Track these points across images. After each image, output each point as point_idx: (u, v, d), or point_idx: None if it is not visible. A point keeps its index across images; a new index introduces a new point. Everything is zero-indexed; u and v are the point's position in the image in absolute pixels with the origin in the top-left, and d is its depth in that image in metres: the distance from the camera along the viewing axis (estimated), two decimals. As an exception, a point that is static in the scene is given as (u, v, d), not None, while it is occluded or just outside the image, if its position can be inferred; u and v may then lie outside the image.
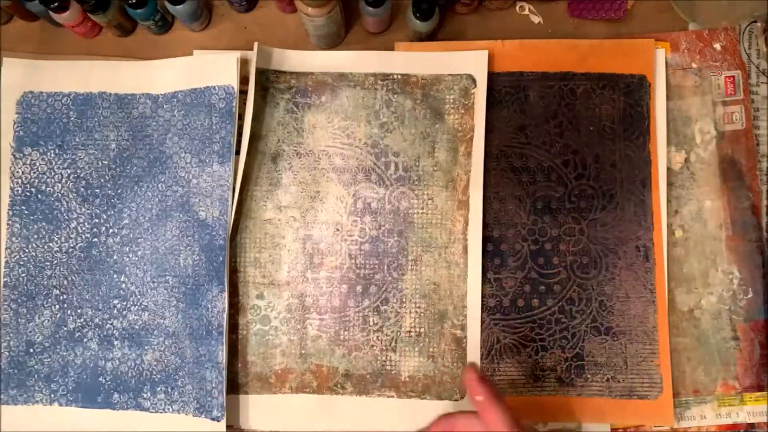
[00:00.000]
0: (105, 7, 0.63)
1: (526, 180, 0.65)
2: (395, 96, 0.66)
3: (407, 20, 0.64)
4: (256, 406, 0.64)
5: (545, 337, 0.63)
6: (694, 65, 0.67)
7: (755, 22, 0.67)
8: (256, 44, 0.63)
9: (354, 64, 0.66)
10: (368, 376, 0.64)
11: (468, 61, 0.65)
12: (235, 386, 0.64)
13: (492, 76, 0.66)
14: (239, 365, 0.64)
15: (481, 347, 0.63)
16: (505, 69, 0.66)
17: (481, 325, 0.64)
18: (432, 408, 0.63)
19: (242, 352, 0.64)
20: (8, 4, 0.65)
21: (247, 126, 0.63)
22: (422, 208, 0.65)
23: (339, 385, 0.64)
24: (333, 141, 0.65)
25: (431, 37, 0.67)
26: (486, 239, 0.64)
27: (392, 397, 0.64)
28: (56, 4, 0.62)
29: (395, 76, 0.66)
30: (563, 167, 0.65)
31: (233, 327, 0.64)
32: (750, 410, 0.64)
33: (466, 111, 0.65)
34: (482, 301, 0.64)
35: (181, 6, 0.62)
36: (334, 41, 0.67)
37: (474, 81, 0.65)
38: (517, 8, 0.68)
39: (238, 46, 0.67)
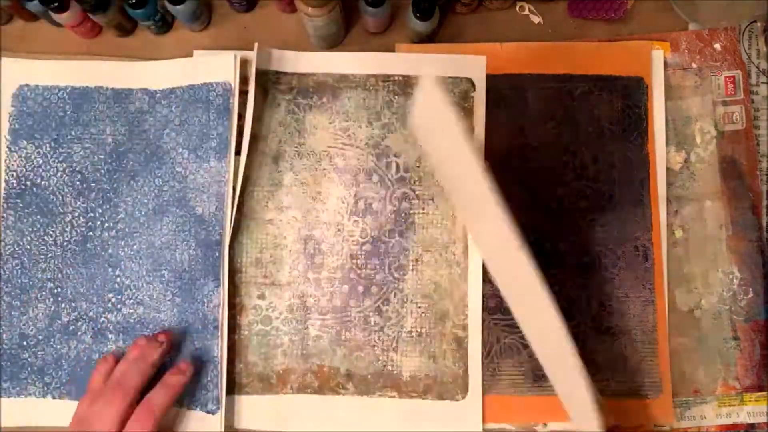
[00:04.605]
0: (105, 7, 0.63)
1: (526, 181, 0.65)
2: (396, 97, 0.66)
3: (407, 20, 0.64)
4: (257, 407, 0.64)
5: (544, 336, 0.63)
6: (694, 65, 0.67)
7: (755, 22, 0.67)
8: (256, 45, 0.63)
9: (355, 65, 0.66)
10: (370, 376, 0.63)
11: (467, 66, 0.66)
12: (236, 387, 0.64)
13: (491, 78, 0.66)
14: (241, 366, 0.64)
15: (481, 347, 0.63)
16: (504, 71, 0.66)
17: (482, 324, 0.63)
18: (433, 408, 0.63)
19: (243, 352, 0.64)
20: (8, 4, 0.65)
21: (248, 126, 0.62)
22: (423, 209, 0.65)
23: (340, 386, 0.63)
24: (334, 142, 0.65)
25: (431, 37, 0.67)
26: (486, 239, 0.64)
27: (394, 397, 0.63)
28: (56, 4, 0.62)
29: (396, 78, 0.66)
30: (562, 168, 0.65)
31: (234, 328, 0.64)
32: (750, 410, 0.63)
33: (465, 114, 0.65)
34: (482, 300, 0.63)
35: (181, 6, 0.62)
36: (334, 41, 0.67)
37: (473, 85, 0.65)
38: (517, 8, 0.68)
39: (238, 46, 0.67)
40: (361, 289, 0.64)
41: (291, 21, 0.68)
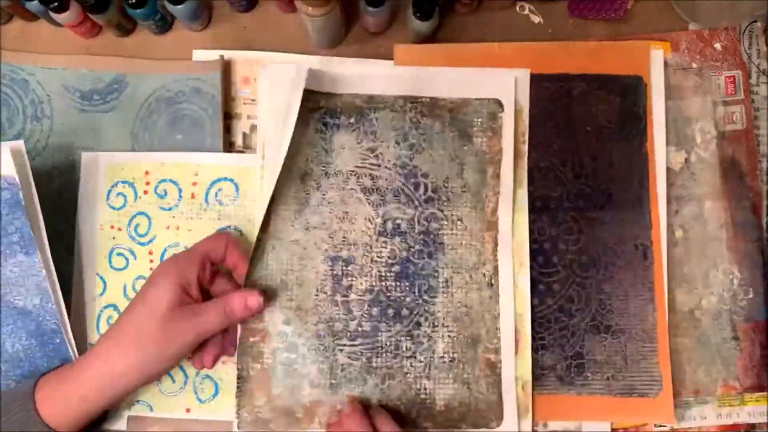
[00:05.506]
0: (105, 7, 0.63)
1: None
2: (423, 118, 0.64)
3: (407, 20, 0.64)
4: None
5: (545, 335, 0.63)
6: (694, 65, 0.67)
7: (755, 22, 0.67)
8: (307, 68, 0.61)
9: (382, 86, 0.64)
10: (403, 407, 0.61)
11: (495, 85, 0.64)
12: (258, 422, 0.60)
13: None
14: (264, 399, 0.60)
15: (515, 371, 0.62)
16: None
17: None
18: None
19: (267, 384, 0.61)
20: (8, 4, 0.65)
21: (285, 144, 0.59)
22: (451, 229, 0.63)
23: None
24: (362, 162, 0.63)
25: (431, 37, 0.67)
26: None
27: (428, 428, 0.61)
28: (56, 4, 0.62)
29: (424, 99, 0.64)
30: (561, 167, 0.65)
31: (258, 355, 0.61)
32: (750, 410, 0.63)
33: (494, 134, 0.64)
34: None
35: (181, 6, 0.62)
36: (334, 41, 0.67)
37: (501, 105, 0.64)
38: (517, 8, 0.68)
39: (238, 46, 0.67)
40: (391, 312, 0.62)
41: (291, 21, 0.68)
